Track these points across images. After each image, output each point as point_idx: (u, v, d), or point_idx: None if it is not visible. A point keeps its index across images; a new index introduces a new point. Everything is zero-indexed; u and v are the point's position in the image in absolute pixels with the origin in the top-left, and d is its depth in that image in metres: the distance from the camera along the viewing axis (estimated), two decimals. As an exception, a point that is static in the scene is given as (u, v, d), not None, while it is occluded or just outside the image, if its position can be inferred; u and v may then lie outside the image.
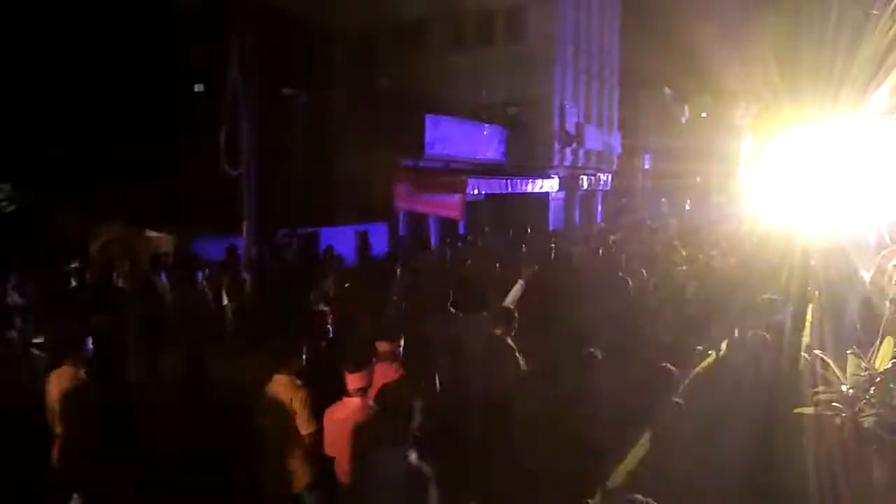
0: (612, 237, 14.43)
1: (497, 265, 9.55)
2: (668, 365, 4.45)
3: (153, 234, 12.81)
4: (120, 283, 8.85)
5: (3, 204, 14.92)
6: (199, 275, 8.70)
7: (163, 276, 9.08)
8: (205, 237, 11.99)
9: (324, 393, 4.28)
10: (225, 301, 8.69)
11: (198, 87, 18.39)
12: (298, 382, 4.30)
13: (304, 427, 4.21)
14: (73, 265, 9.29)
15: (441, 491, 3.14)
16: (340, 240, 13.36)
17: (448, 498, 3.20)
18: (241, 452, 4.46)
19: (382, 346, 4.73)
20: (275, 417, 4.22)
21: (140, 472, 4.64)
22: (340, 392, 4.14)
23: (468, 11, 23.59)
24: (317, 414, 4.22)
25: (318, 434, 4.19)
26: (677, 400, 4.21)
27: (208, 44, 15.96)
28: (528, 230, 14.86)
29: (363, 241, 13.12)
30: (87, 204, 14.55)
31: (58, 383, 4.46)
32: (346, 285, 8.47)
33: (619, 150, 29.46)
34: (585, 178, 26.55)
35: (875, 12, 25.86)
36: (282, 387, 4.27)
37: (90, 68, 15.70)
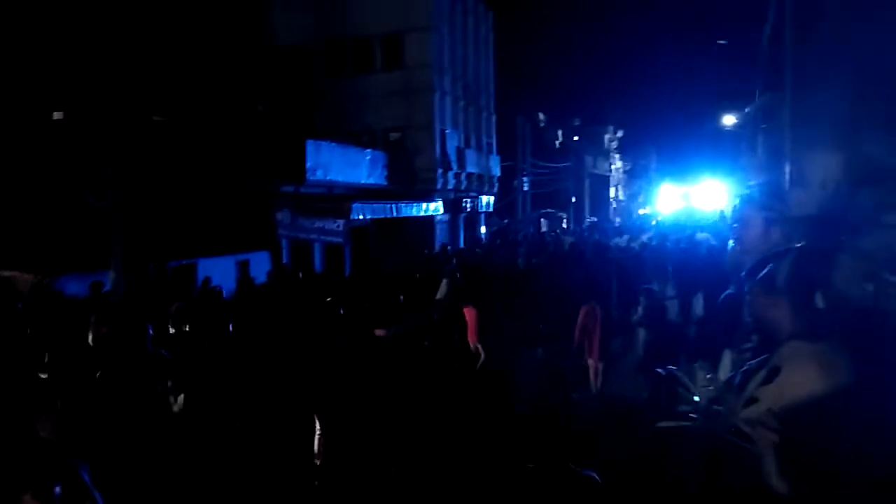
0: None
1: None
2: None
3: (7, 273, 11.74)
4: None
5: None
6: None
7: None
8: (68, 274, 11.14)
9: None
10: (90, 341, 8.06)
11: (57, 115, 17.22)
12: None
13: None
14: None
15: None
16: (220, 270, 12.85)
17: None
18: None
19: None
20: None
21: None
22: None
23: (346, 38, 23.73)
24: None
25: None
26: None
27: (69, 69, 15.05)
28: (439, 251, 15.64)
29: (244, 271, 12.68)
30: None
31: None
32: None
33: (498, 173, 30.44)
34: (469, 200, 27.20)
35: (722, 42, 28.51)
36: None
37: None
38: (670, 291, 10.56)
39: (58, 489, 2.28)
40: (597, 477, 3.62)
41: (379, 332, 5.82)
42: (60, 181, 13.33)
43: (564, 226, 37.21)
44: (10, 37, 15.51)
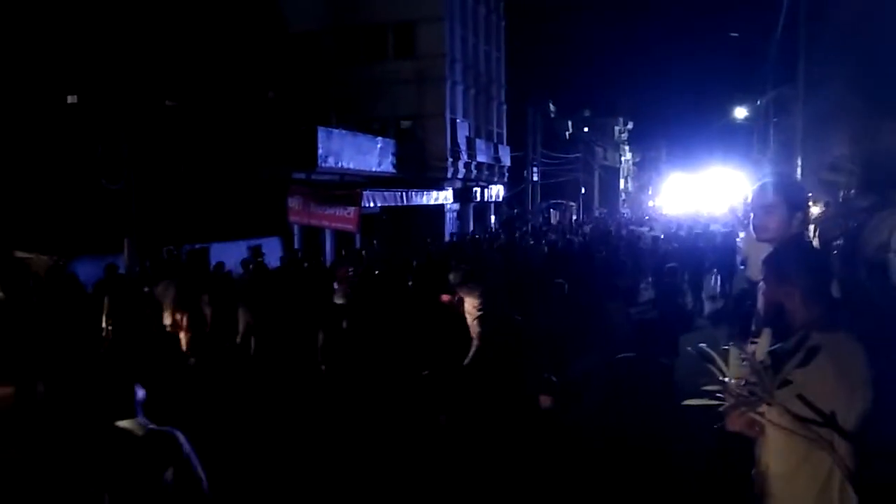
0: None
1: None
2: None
3: (24, 255, 11.87)
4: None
5: None
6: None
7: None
8: (82, 256, 11.24)
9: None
10: (104, 324, 8.17)
11: (71, 99, 17.32)
12: None
13: None
14: None
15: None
16: (232, 254, 12.93)
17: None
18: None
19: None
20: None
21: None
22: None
23: (359, 26, 23.70)
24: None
25: None
26: None
27: (83, 53, 15.13)
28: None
29: (257, 256, 12.74)
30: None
31: None
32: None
33: (508, 162, 30.40)
34: (479, 190, 27.19)
35: (735, 34, 28.28)
36: None
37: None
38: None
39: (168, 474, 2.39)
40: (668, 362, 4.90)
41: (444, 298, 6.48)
42: (75, 164, 13.43)
43: (574, 217, 37.17)
44: (24, 22, 15.59)
